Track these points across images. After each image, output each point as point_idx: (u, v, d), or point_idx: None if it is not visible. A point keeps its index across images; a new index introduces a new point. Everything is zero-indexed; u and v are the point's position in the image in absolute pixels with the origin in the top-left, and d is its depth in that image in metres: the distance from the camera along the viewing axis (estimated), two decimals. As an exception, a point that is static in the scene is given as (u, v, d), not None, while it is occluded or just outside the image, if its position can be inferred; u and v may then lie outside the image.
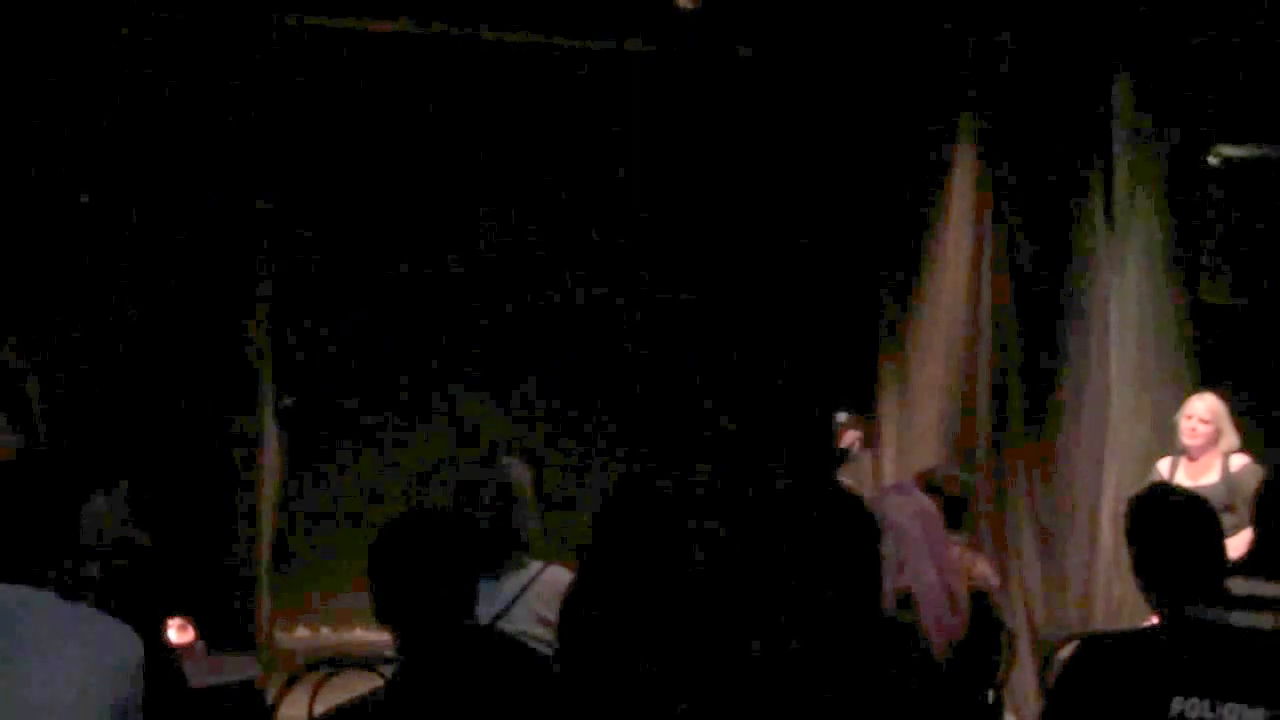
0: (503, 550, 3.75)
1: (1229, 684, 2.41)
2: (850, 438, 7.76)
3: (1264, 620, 2.70)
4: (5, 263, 5.81)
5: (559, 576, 3.61)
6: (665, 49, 7.40)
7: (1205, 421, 5.60)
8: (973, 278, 6.83)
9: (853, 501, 2.56)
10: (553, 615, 3.44)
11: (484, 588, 3.14)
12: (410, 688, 2.40)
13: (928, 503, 3.99)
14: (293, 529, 7.72)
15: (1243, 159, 6.50)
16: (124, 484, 4.03)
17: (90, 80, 5.96)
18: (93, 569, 3.15)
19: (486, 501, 3.82)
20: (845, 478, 7.60)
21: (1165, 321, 6.41)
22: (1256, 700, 2.40)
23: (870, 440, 7.81)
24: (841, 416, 7.88)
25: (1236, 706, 2.39)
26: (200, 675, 4.23)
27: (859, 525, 2.48)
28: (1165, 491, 3.10)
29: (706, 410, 8.61)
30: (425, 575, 2.43)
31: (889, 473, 7.15)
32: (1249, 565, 3.48)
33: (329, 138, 7.82)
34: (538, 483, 4.11)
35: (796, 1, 7.00)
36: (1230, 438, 5.62)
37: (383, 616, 2.46)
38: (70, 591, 2.46)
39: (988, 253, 6.80)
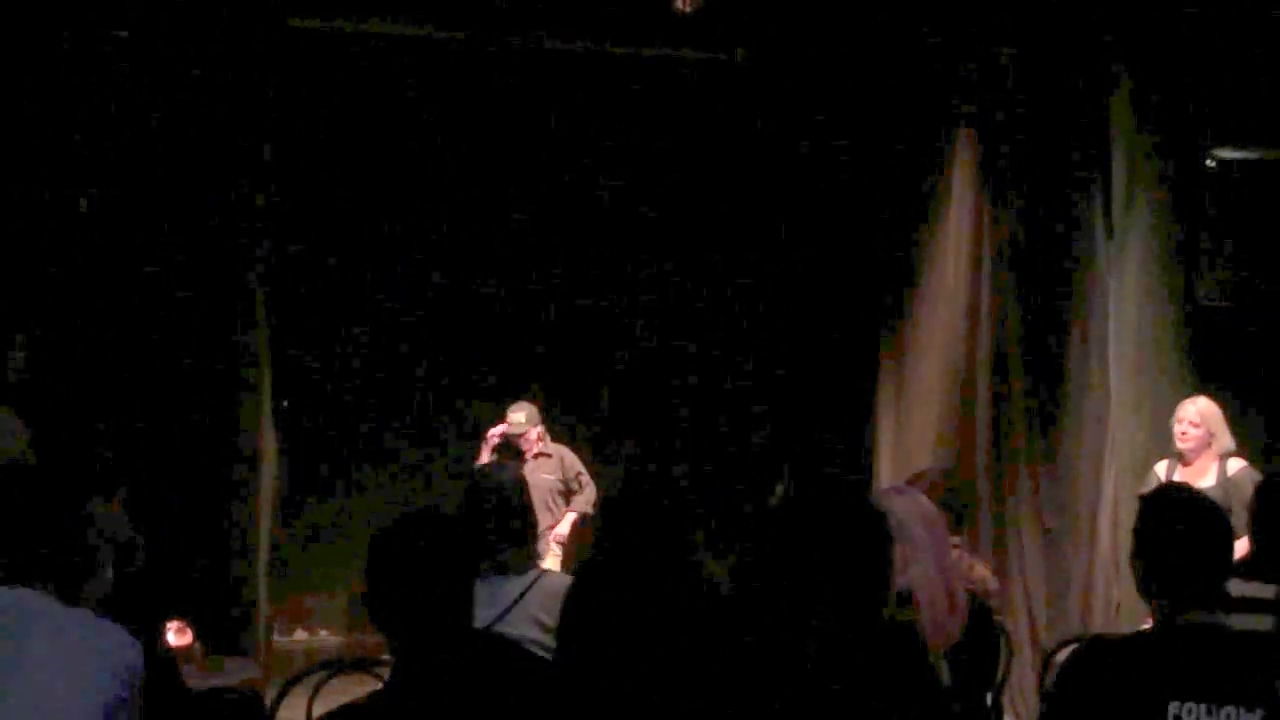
0: (506, 553, 3.75)
1: (1226, 687, 2.41)
2: (536, 435, 7.26)
3: (1260, 623, 2.71)
4: (6, 266, 5.81)
5: (558, 580, 3.61)
6: (663, 52, 7.41)
7: (1195, 425, 5.61)
8: (972, 279, 6.83)
9: (865, 506, 2.55)
10: (551, 619, 3.44)
11: (483, 591, 3.14)
12: (408, 690, 2.40)
13: (929, 503, 3.99)
14: (291, 532, 7.73)
15: (1241, 161, 6.50)
16: (122, 489, 4.04)
17: (91, 83, 5.96)
18: (107, 575, 3.15)
19: (492, 504, 3.81)
20: (544, 474, 7.09)
21: (1164, 324, 6.42)
22: (1254, 704, 2.40)
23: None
24: (520, 415, 7.25)
25: (1233, 710, 2.39)
26: (199, 678, 4.24)
27: (870, 530, 2.47)
28: (1177, 491, 3.08)
29: (706, 413, 8.62)
30: (421, 578, 2.43)
31: (885, 473, 7.15)
32: (1246, 568, 3.49)
33: (329, 142, 7.83)
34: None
35: (795, 6, 7.00)
36: (1224, 441, 5.62)
37: (378, 618, 2.46)
38: (73, 595, 2.46)
39: (987, 253, 6.80)
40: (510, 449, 7.18)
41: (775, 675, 2.48)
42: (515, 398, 7.41)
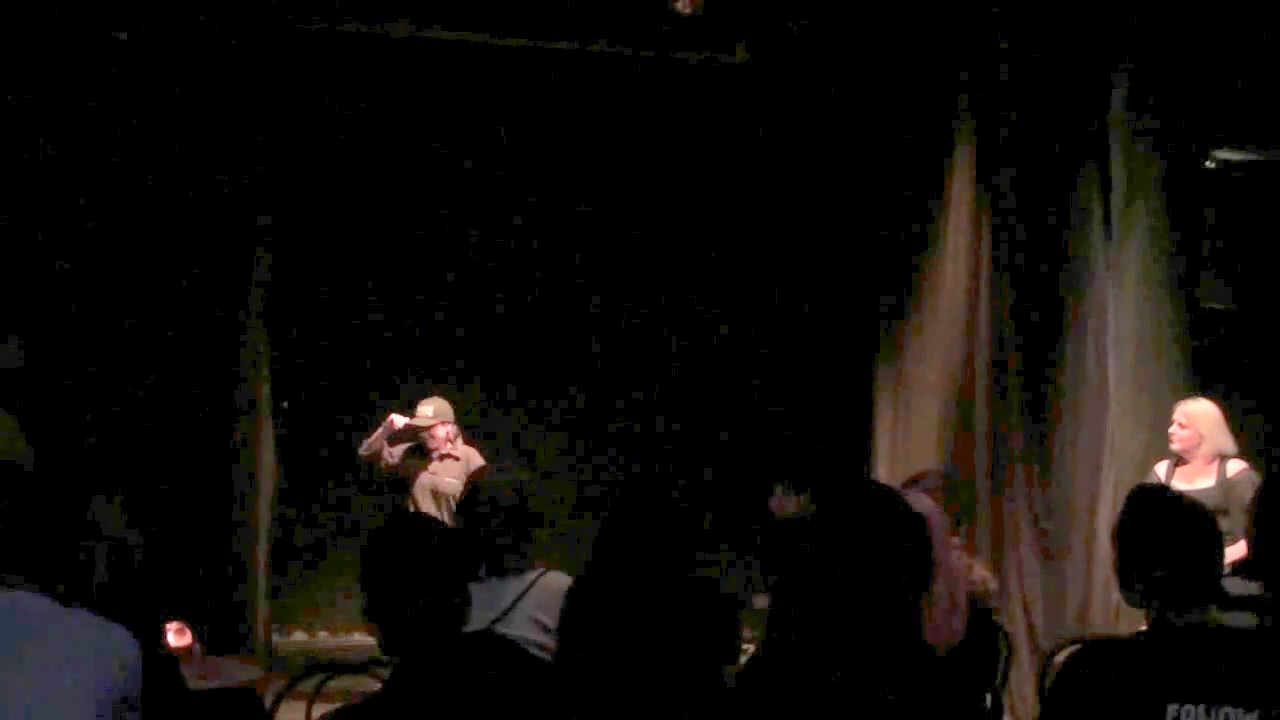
0: (504, 554, 3.75)
1: (1223, 688, 2.41)
2: (445, 434, 6.54)
3: (1259, 623, 2.70)
4: (6, 266, 5.82)
5: (557, 582, 3.61)
6: (663, 54, 7.41)
7: (1183, 425, 5.64)
8: (971, 281, 6.83)
9: (906, 509, 2.53)
10: (551, 620, 3.45)
11: (482, 592, 3.15)
12: (407, 691, 2.40)
13: (930, 504, 3.99)
14: (291, 533, 7.73)
15: (1241, 163, 6.50)
16: (122, 488, 4.03)
17: (91, 84, 5.97)
18: (100, 571, 3.15)
19: (490, 506, 3.81)
20: (449, 478, 6.42)
21: (1163, 326, 6.42)
22: (1252, 703, 2.40)
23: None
24: (428, 409, 6.53)
25: (1232, 711, 2.39)
26: (198, 679, 4.24)
27: (915, 533, 2.46)
28: (1160, 492, 3.09)
29: (705, 416, 8.61)
30: (414, 578, 2.43)
31: (885, 474, 7.15)
32: (1247, 569, 3.48)
33: (331, 142, 7.83)
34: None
35: (794, 7, 7.00)
36: (1218, 442, 5.62)
37: (372, 618, 2.46)
38: (72, 595, 2.46)
39: (985, 256, 6.80)
40: (415, 445, 6.58)
41: (775, 675, 2.48)
42: (517, 401, 7.36)
